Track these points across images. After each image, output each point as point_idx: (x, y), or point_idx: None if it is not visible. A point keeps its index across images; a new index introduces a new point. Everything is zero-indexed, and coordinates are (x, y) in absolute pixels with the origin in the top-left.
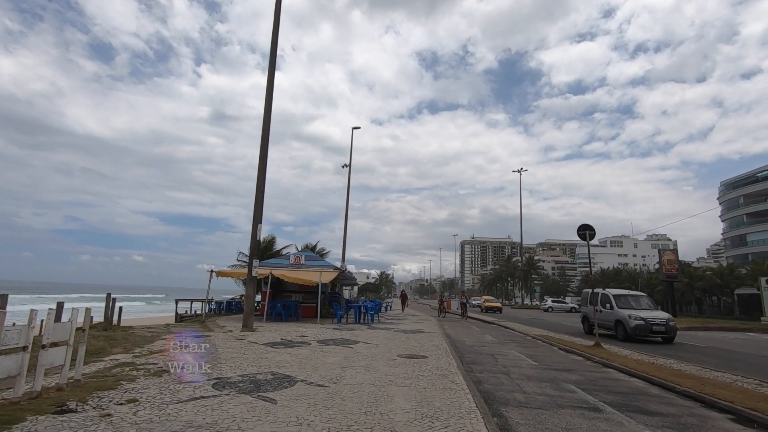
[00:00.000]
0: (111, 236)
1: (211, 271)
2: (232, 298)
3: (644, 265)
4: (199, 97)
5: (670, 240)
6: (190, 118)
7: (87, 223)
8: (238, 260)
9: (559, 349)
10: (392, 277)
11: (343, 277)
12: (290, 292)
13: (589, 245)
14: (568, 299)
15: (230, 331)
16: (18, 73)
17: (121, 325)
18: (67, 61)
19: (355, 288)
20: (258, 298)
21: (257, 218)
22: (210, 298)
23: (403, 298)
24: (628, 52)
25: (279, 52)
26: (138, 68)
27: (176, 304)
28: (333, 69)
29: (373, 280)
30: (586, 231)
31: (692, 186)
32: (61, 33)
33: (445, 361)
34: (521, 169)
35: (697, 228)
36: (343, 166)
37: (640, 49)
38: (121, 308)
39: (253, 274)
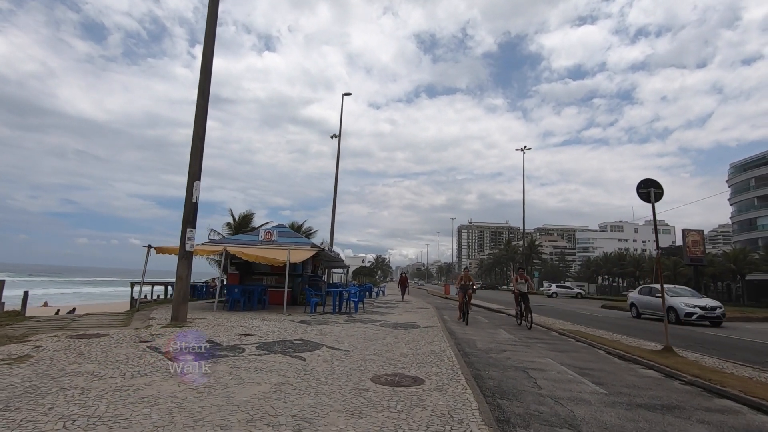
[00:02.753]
0: (107, 219)
1: (149, 246)
2: (205, 282)
3: (644, 250)
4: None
5: (669, 226)
6: (184, 100)
7: (82, 206)
8: (210, 239)
9: (608, 354)
10: (389, 262)
11: (327, 258)
12: (261, 275)
13: (654, 209)
14: (567, 284)
15: (150, 326)
16: (9, 53)
17: (30, 315)
18: (58, 41)
19: (350, 272)
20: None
21: (194, 174)
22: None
23: (403, 282)
24: (628, 36)
25: (275, 33)
26: (131, 49)
27: (131, 287)
28: (330, 51)
29: (368, 264)
30: (650, 189)
31: (689, 173)
32: (52, 11)
33: (455, 390)
34: (524, 147)
35: (692, 215)
36: (332, 137)
37: (641, 33)
38: (26, 293)
39: (187, 248)
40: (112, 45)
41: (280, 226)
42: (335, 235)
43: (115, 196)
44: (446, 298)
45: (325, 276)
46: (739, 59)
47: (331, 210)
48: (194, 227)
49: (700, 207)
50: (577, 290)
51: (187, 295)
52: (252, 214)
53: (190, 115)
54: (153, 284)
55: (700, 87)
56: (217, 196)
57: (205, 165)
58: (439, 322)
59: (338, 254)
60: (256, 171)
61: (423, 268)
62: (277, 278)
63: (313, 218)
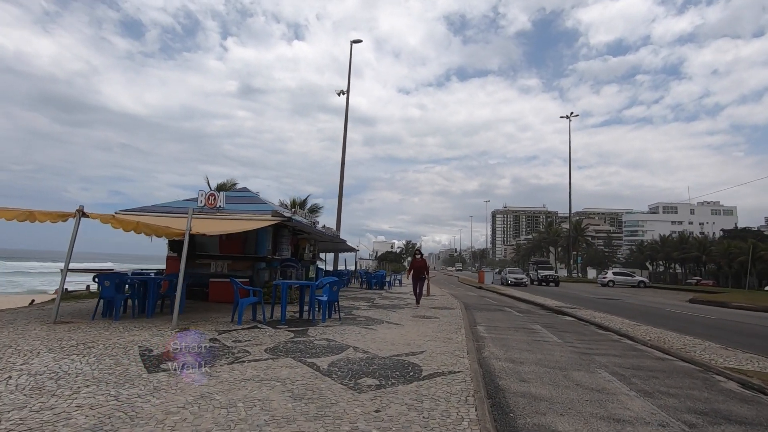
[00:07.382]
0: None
1: None
2: (160, 271)
3: (702, 232)
4: (227, 71)
5: (729, 207)
6: (218, 92)
7: (129, 197)
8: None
9: None
10: (419, 247)
11: (318, 236)
12: (209, 258)
13: None
14: (621, 269)
15: None
16: (57, 53)
17: None
18: (101, 39)
19: (375, 258)
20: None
21: None
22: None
23: (418, 271)
24: (675, 6)
25: (303, 21)
26: (167, 44)
27: (62, 276)
28: (358, 37)
29: (398, 250)
30: None
31: (743, 152)
32: (93, 11)
33: None
34: (571, 114)
35: (745, 197)
36: (339, 94)
37: (689, 2)
38: None
39: None
40: (150, 41)
41: (243, 190)
42: (367, 222)
43: (157, 186)
44: (480, 288)
45: (334, 264)
46: None
47: (363, 197)
48: None
49: (752, 188)
50: (639, 278)
51: None
52: (234, 184)
53: (223, 106)
54: (97, 273)
55: (756, 58)
56: (251, 185)
57: (238, 155)
58: (469, 349)
59: (333, 231)
60: (288, 160)
61: (456, 254)
62: (231, 263)
63: (345, 205)
